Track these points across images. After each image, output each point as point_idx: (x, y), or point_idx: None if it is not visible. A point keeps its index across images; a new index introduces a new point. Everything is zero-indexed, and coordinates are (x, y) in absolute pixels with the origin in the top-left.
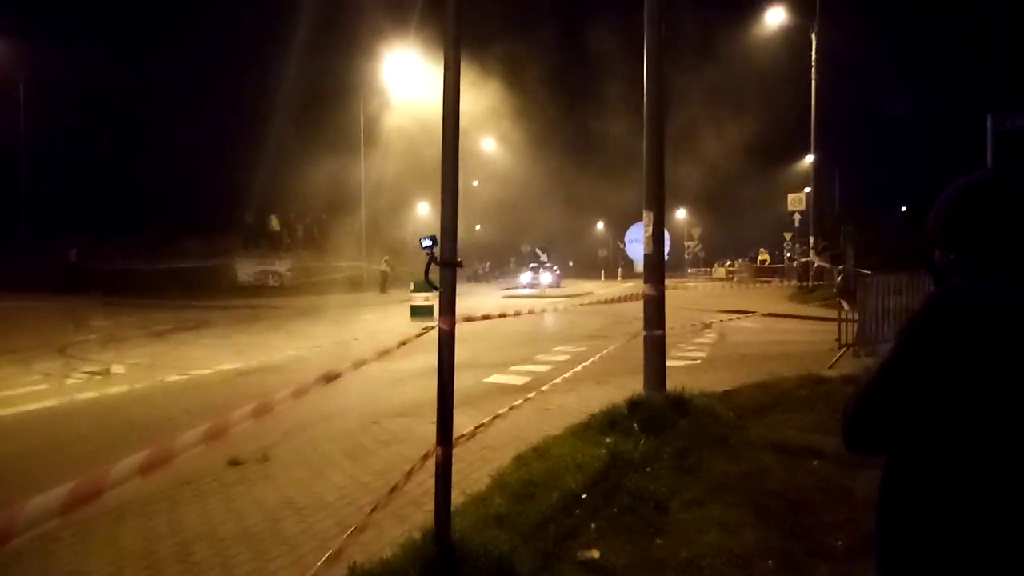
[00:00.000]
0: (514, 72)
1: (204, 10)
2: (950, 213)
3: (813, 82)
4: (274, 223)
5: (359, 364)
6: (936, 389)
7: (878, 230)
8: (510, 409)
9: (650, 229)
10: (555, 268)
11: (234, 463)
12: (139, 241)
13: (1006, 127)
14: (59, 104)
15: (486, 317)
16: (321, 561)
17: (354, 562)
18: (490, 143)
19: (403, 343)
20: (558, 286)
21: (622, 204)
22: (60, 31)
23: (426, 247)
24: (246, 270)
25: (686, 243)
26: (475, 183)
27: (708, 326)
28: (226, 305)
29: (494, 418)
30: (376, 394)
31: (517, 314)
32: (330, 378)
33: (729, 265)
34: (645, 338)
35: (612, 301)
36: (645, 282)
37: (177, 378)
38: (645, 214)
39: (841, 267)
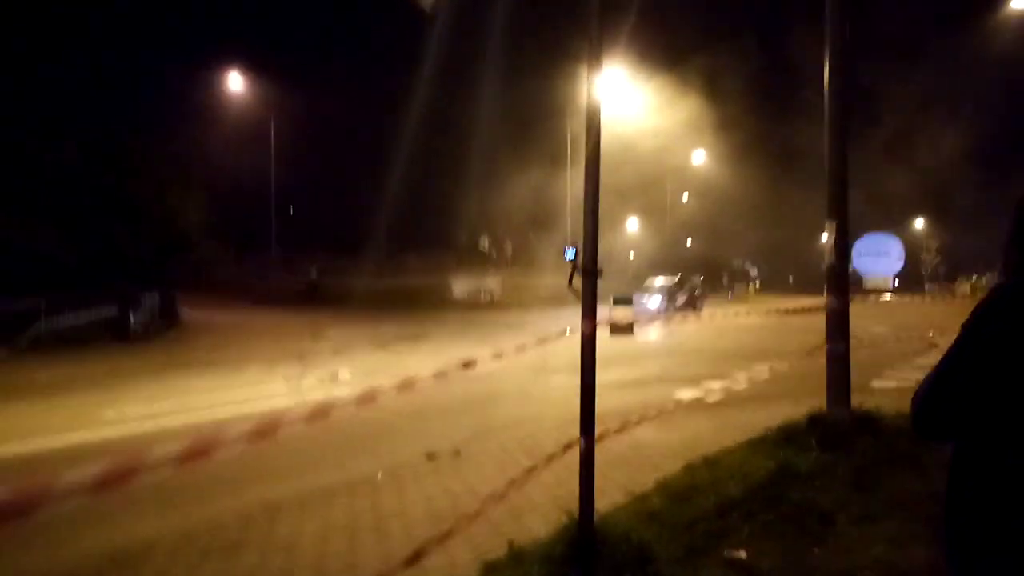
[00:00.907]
0: (716, 83)
1: (418, 36)
2: (1021, 216)
3: None
4: (483, 243)
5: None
6: (996, 377)
7: None
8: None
9: (832, 238)
10: (679, 290)
11: (431, 457)
12: (368, 259)
13: None
14: (300, 137)
15: None
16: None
17: (511, 540)
18: (700, 156)
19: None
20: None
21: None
22: (291, 70)
23: (569, 258)
24: (460, 286)
25: (923, 256)
26: (684, 198)
27: (935, 345)
28: (442, 319)
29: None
30: (567, 403)
31: None
32: (468, 364)
33: (975, 281)
34: (828, 351)
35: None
36: (828, 293)
37: (391, 382)
38: (828, 223)
39: None
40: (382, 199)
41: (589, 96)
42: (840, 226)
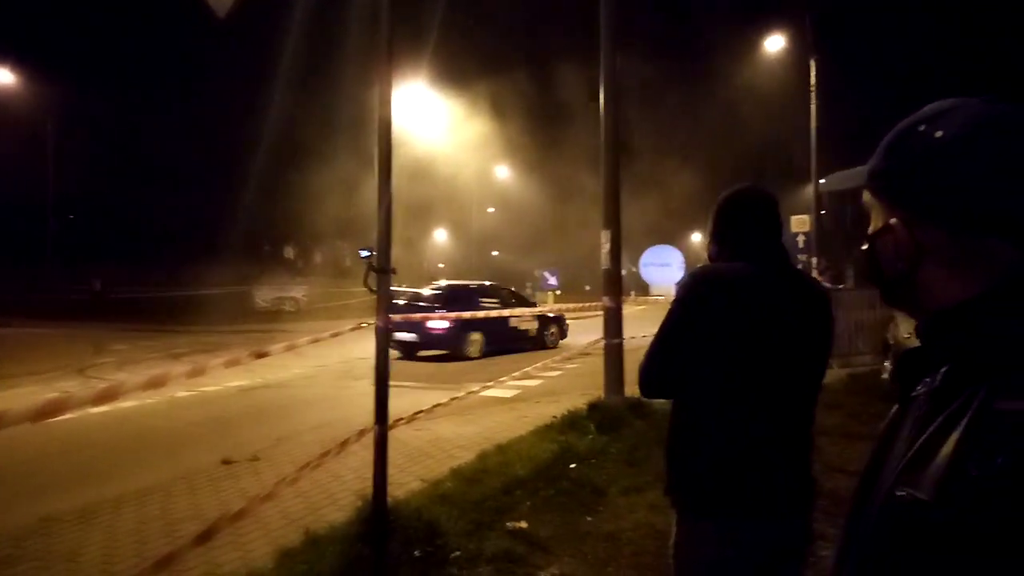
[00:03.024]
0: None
1: (221, 44)
2: (715, 216)
3: (813, 107)
4: (288, 252)
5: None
6: (692, 339)
7: None
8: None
9: (607, 246)
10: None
11: (227, 462)
12: (160, 270)
13: None
14: (82, 141)
15: None
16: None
17: (307, 528)
18: (503, 170)
19: (336, 334)
20: None
21: (643, 224)
22: (81, 72)
23: (364, 256)
24: (263, 296)
25: (698, 266)
26: (490, 209)
27: None
28: (242, 330)
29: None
30: (371, 406)
31: None
32: (260, 354)
33: None
34: (605, 346)
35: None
36: (604, 295)
37: (186, 394)
38: (603, 232)
39: (840, 286)
40: (177, 206)
41: (381, 108)
42: (614, 235)
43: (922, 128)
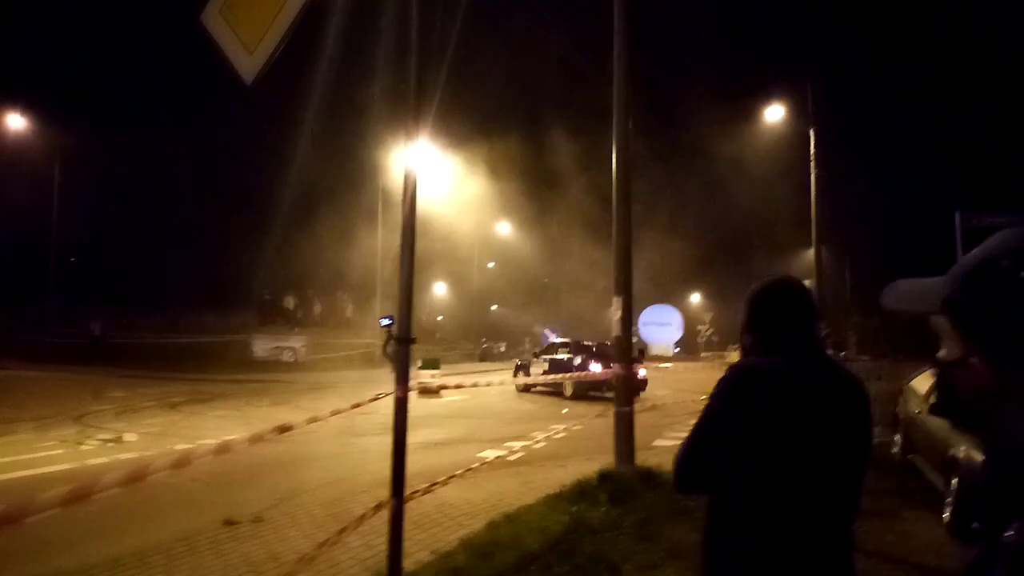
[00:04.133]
0: (517, 160)
1: (229, 95)
2: (749, 307)
3: (813, 176)
4: (288, 301)
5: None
6: (729, 435)
7: (884, 318)
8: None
9: (619, 313)
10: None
11: (229, 523)
12: (160, 316)
13: (973, 224)
14: (86, 185)
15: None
16: None
17: None
18: (504, 227)
19: (356, 405)
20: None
21: (636, 286)
22: (88, 118)
23: (385, 325)
24: (262, 345)
25: (698, 327)
26: (490, 264)
27: None
28: (240, 379)
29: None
30: (371, 465)
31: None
32: (284, 429)
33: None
34: (616, 414)
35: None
36: (615, 363)
37: (185, 446)
38: (615, 299)
39: (843, 353)
40: (178, 254)
41: (405, 180)
42: (625, 302)
43: (1005, 264)
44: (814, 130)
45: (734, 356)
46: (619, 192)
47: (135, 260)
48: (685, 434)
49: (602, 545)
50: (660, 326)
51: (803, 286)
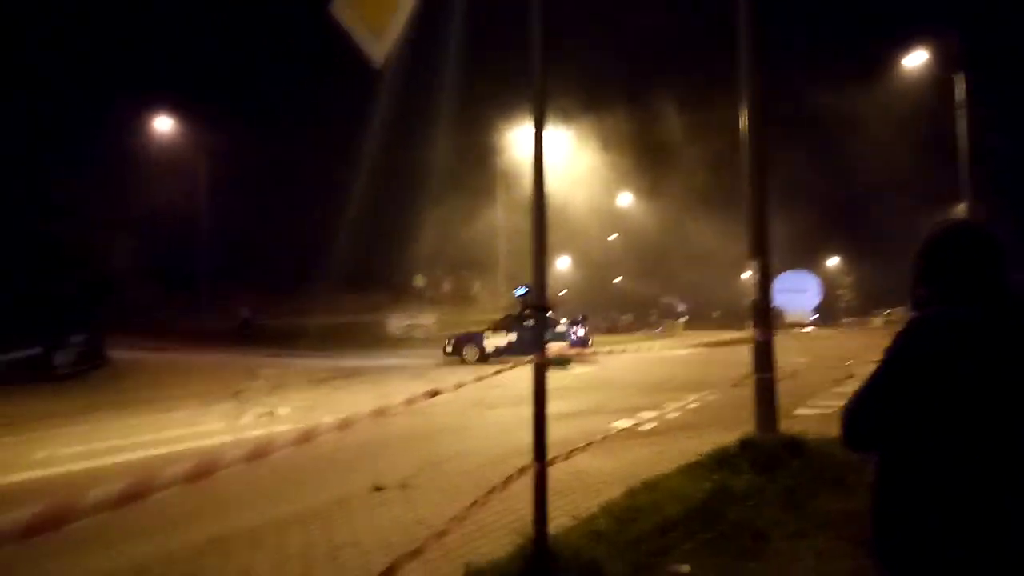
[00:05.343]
0: (640, 127)
1: (359, 81)
2: (922, 256)
3: (961, 125)
4: (418, 280)
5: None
6: (913, 396)
7: None
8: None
9: (756, 276)
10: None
11: (378, 488)
12: (302, 298)
13: None
14: (235, 178)
15: None
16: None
17: (469, 561)
18: (627, 197)
19: (480, 378)
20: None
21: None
22: (231, 112)
23: (519, 295)
24: (396, 324)
25: (838, 292)
26: (612, 236)
27: (852, 375)
28: (377, 355)
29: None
30: (505, 436)
31: None
32: (433, 393)
33: (888, 314)
34: (756, 380)
35: None
36: (754, 327)
37: (330, 419)
38: (750, 262)
39: None
40: (317, 239)
41: (537, 151)
42: (762, 264)
43: None
44: (960, 76)
45: (878, 321)
46: (752, 145)
47: (276, 246)
48: (829, 402)
49: (746, 513)
50: (796, 292)
51: (986, 229)
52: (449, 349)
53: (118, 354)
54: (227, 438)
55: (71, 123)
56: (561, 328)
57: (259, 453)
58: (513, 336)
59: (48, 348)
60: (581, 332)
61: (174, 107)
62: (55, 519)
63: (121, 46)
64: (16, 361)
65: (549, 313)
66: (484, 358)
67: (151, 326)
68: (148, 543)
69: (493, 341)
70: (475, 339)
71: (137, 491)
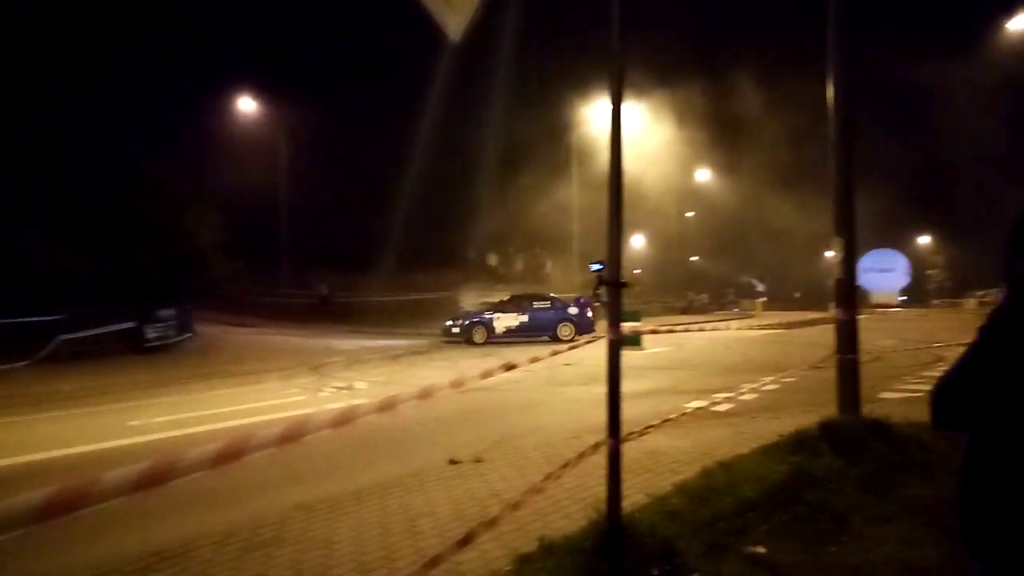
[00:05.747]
0: (721, 103)
1: (428, 59)
2: (1019, 227)
3: None
4: (491, 259)
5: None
6: (1010, 374)
7: None
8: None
9: (841, 255)
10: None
11: (453, 462)
12: (378, 275)
13: None
14: (311, 156)
15: None
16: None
17: (543, 535)
18: (704, 174)
19: (555, 353)
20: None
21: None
22: (309, 91)
23: (595, 270)
24: (469, 300)
25: (928, 272)
26: (688, 214)
27: (942, 359)
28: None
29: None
30: (577, 414)
31: None
32: (509, 367)
33: (982, 296)
34: (838, 361)
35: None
36: (837, 306)
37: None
38: (835, 240)
39: None
40: (392, 217)
41: (614, 129)
42: (847, 243)
43: None
44: None
45: (971, 302)
46: (838, 117)
47: (356, 226)
48: (915, 387)
49: (826, 495)
50: (883, 272)
51: None
52: (456, 330)
53: (203, 328)
54: (309, 410)
55: (159, 104)
56: (573, 310)
57: (344, 419)
58: (525, 317)
59: (140, 323)
60: (589, 313)
61: (257, 89)
62: (158, 476)
63: (212, 32)
64: (111, 334)
65: (553, 296)
66: (493, 339)
67: (234, 301)
68: (237, 508)
69: (503, 322)
70: (484, 320)
71: (232, 451)
